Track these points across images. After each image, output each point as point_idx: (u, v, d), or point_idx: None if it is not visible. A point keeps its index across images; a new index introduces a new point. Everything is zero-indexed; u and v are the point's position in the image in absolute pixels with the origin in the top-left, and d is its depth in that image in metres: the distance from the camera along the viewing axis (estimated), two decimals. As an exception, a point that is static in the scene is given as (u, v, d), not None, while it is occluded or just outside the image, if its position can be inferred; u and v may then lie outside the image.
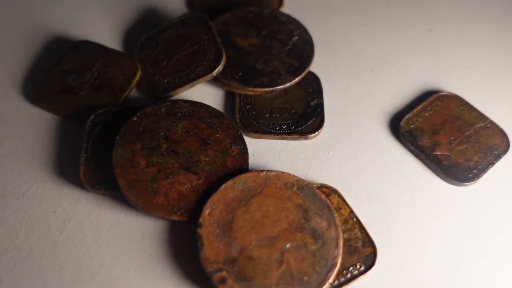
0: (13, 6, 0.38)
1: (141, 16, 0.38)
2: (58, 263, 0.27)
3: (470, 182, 0.31)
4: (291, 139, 0.32)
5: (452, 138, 0.32)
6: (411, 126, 0.33)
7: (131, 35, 0.37)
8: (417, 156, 0.32)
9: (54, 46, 0.36)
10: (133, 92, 0.34)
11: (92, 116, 0.31)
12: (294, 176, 0.29)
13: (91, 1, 0.38)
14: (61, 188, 0.30)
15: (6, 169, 0.30)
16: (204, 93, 0.34)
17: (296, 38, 0.36)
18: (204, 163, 0.30)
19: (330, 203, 0.29)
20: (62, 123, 0.32)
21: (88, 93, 0.33)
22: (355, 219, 0.29)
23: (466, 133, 0.32)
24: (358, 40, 0.38)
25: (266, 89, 0.33)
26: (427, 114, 0.33)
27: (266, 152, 0.32)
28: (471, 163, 0.31)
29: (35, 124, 0.32)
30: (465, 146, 0.32)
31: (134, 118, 0.31)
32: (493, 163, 0.31)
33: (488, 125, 0.33)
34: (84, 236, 0.28)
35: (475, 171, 0.31)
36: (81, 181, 0.29)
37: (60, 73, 0.34)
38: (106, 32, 0.37)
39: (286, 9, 0.39)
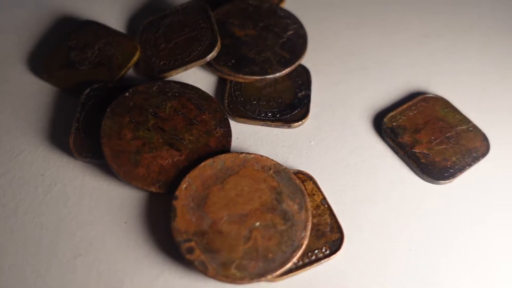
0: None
1: (147, 2, 0.40)
2: (40, 221, 0.29)
3: (445, 181, 0.31)
4: (275, 126, 0.33)
5: (432, 137, 0.33)
6: (394, 124, 0.33)
7: (136, 19, 0.39)
8: (396, 152, 0.33)
9: (63, 24, 0.38)
10: (131, 72, 0.36)
11: (88, 90, 0.33)
12: (272, 160, 0.30)
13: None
14: (51, 154, 0.31)
15: (3, 132, 0.32)
16: (197, 77, 0.36)
17: (291, 32, 0.37)
18: (187, 141, 0.31)
19: (304, 188, 0.30)
20: (61, 95, 0.34)
21: (88, 69, 0.35)
22: (326, 206, 0.30)
23: (447, 134, 0.33)
24: (353, 39, 0.39)
25: (256, 77, 0.34)
26: (411, 114, 0.34)
27: (250, 136, 0.33)
28: (448, 163, 0.32)
29: (36, 94, 0.34)
30: (444, 146, 0.32)
31: (126, 94, 0.32)
32: (470, 165, 0.32)
33: (470, 128, 0.33)
34: (67, 199, 0.29)
35: (451, 170, 0.31)
36: (70, 149, 0.30)
37: (65, 49, 0.36)
38: (113, 14, 0.39)
39: (286, 5, 0.40)
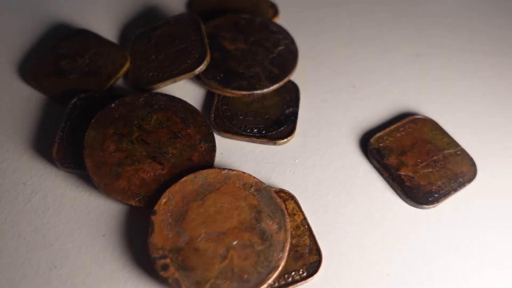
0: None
1: (141, 13, 0.40)
2: (18, 230, 0.28)
3: (429, 205, 0.31)
4: (260, 142, 0.33)
5: (419, 160, 0.32)
6: (380, 144, 0.33)
7: (128, 29, 0.39)
8: (381, 174, 0.32)
9: (55, 31, 0.38)
10: (120, 82, 0.36)
11: (75, 99, 0.33)
12: (254, 177, 0.30)
13: (98, -6, 0.41)
14: (34, 163, 0.31)
15: (-12, 138, 0.32)
16: (186, 90, 0.36)
17: (282, 47, 0.37)
18: (171, 155, 0.31)
19: (284, 208, 0.29)
20: (49, 103, 0.34)
21: (77, 78, 0.35)
22: (306, 227, 0.29)
23: (434, 158, 0.33)
24: (344, 57, 0.39)
25: (244, 92, 0.34)
26: (399, 135, 0.34)
27: (234, 152, 0.33)
28: (433, 187, 0.31)
29: (23, 102, 0.34)
30: (430, 169, 0.32)
31: (112, 105, 0.32)
32: (456, 190, 0.31)
33: (458, 153, 0.33)
34: (47, 209, 0.29)
35: (436, 195, 0.31)
36: (53, 158, 0.30)
37: (55, 56, 0.36)
38: (105, 24, 0.39)
39: (280, 20, 0.40)
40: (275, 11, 0.41)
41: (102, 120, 0.32)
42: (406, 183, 0.31)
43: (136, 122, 0.32)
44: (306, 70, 0.37)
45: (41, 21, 0.39)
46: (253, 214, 0.29)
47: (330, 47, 0.39)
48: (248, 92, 0.34)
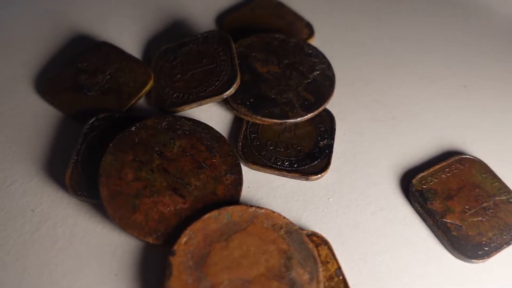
0: (47, 0, 0.38)
1: (168, 27, 0.38)
2: (23, 264, 0.26)
3: (479, 260, 0.27)
4: (291, 177, 0.30)
5: (467, 207, 0.29)
6: (424, 186, 0.30)
7: (153, 45, 0.36)
8: (424, 219, 0.29)
9: (75, 43, 0.36)
10: (142, 102, 0.33)
11: (93, 119, 0.30)
12: (284, 218, 0.27)
13: (122, 6, 0.38)
14: (45, 187, 0.29)
15: (-2, 157, 0.30)
16: (212, 114, 0.33)
17: (317, 72, 0.34)
18: (193, 187, 0.28)
19: (317, 255, 0.26)
20: (64, 121, 0.32)
21: (96, 95, 0.32)
22: (341, 278, 0.26)
23: (484, 205, 0.29)
24: (384, 84, 0.36)
25: (275, 120, 0.31)
26: (444, 176, 0.30)
27: (263, 186, 0.30)
28: (484, 239, 0.28)
29: (38, 118, 0.32)
30: (480, 218, 0.29)
31: (132, 128, 0.30)
32: (508, 243, 0.28)
33: (511, 200, 0.30)
34: (56, 241, 0.27)
35: (486, 248, 0.28)
36: (66, 184, 0.28)
37: (74, 70, 0.33)
38: (129, 37, 0.37)
39: (315, 41, 0.38)
40: (310, 31, 0.38)
41: (120, 145, 0.29)
42: (453, 232, 0.28)
43: (157, 149, 0.29)
44: (341, 98, 0.34)
45: (61, 31, 0.36)
46: (282, 261, 0.26)
47: (368, 73, 0.36)
48: (280, 121, 0.31)
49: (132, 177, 0.28)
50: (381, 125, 0.33)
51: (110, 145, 0.29)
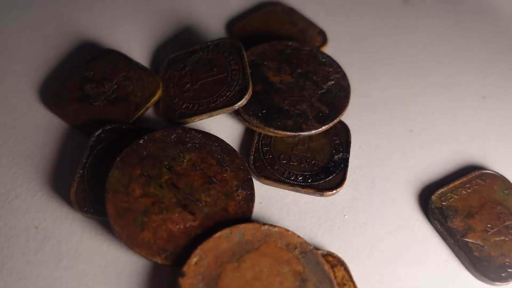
0: (51, 5, 0.37)
1: (176, 34, 0.36)
2: (25, 285, 0.25)
3: (502, 282, 0.26)
4: (305, 193, 0.29)
5: (489, 225, 0.28)
6: (443, 203, 0.29)
7: (161, 52, 0.35)
8: (444, 238, 0.28)
9: (82, 51, 0.35)
10: (149, 112, 0.32)
11: (99, 131, 0.29)
12: (299, 237, 0.26)
13: (129, 12, 0.37)
14: (49, 202, 0.28)
15: (0, 170, 0.29)
16: (222, 125, 0.32)
17: (332, 82, 0.33)
18: (203, 204, 0.27)
19: (333, 277, 0.25)
20: (70, 132, 0.31)
21: (102, 105, 0.31)
22: (358, 301, 0.25)
23: (507, 223, 0.28)
24: (401, 94, 0.34)
25: (288, 133, 0.30)
26: (464, 192, 0.29)
27: (275, 202, 0.29)
28: (507, 260, 0.27)
29: (42, 129, 0.31)
30: (503, 238, 0.28)
31: (140, 141, 0.28)
32: (533, 265, 0.27)
33: (535, 219, 0.28)
34: (60, 260, 0.26)
35: (510, 270, 0.26)
36: (71, 200, 0.27)
37: (80, 79, 0.32)
38: (137, 45, 0.35)
39: (328, 48, 0.36)
40: (323, 38, 0.37)
41: (128, 159, 0.28)
42: (475, 253, 0.27)
43: (166, 163, 0.28)
44: (357, 109, 0.33)
45: (67, 38, 0.35)
46: (297, 283, 0.25)
47: (384, 82, 0.35)
48: (293, 133, 0.30)
49: (140, 193, 0.27)
50: (398, 138, 0.32)
51: (117, 159, 0.28)
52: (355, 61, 0.36)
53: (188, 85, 0.32)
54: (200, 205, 0.27)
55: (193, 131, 0.30)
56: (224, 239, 0.26)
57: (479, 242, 0.27)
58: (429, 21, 0.39)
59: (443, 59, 0.37)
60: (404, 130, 0.32)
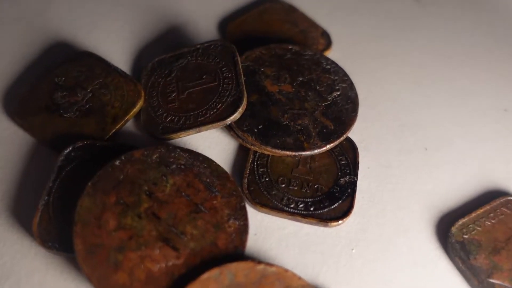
0: (23, 2, 0.33)
1: (161, 35, 0.32)
2: (-24, 336, 0.21)
3: (534, 332, 0.23)
4: (307, 222, 0.25)
5: (517, 263, 0.24)
6: (465, 236, 0.25)
7: (144, 55, 0.31)
8: (467, 278, 0.24)
9: (53, 52, 0.30)
10: (129, 125, 0.28)
11: (69, 149, 0.25)
12: (300, 279, 0.22)
13: (108, 8, 0.33)
14: (8, 233, 0.24)
15: (-47, 194, 0.25)
16: (212, 141, 0.28)
17: (338, 93, 0.29)
18: (189, 237, 0.23)
19: (340, 327, 0.21)
20: (36, 148, 0.27)
21: (74, 117, 0.27)
22: None
23: (538, 261, 0.25)
24: (413, 105, 0.30)
25: (288, 152, 0.26)
26: (489, 223, 0.26)
27: (272, 233, 0.25)
28: (539, 306, 0.23)
29: (3, 143, 0.27)
30: (533, 278, 0.24)
31: (117, 162, 0.24)
32: None
33: None
34: (19, 305, 0.22)
35: (542, 317, 0.23)
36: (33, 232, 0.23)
37: (49, 86, 0.28)
38: (116, 47, 0.31)
39: (332, 52, 0.32)
40: (327, 41, 0.33)
41: (102, 184, 0.24)
42: (502, 297, 0.23)
43: (146, 188, 0.24)
44: (364, 122, 0.29)
45: (36, 37, 0.31)
46: (298, 336, 0.21)
47: (395, 92, 0.31)
48: (293, 153, 0.26)
49: (115, 225, 0.23)
50: (411, 157, 0.28)
51: (89, 184, 0.24)
52: (362, 67, 0.32)
53: (174, 95, 0.28)
54: (185, 239, 0.23)
55: (178, 150, 0.26)
56: (213, 281, 0.22)
57: (506, 283, 0.24)
58: (443, 23, 0.35)
59: (460, 66, 0.33)
60: (418, 148, 0.29)
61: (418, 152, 0.29)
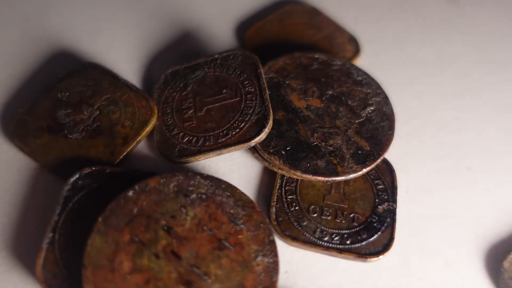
0: (15, 3, 0.30)
1: (175, 43, 0.29)
2: None
3: None
4: (343, 258, 0.23)
5: None
6: (519, 272, 0.23)
7: (156, 66, 0.28)
8: (523, 321, 0.22)
9: (55, 64, 0.27)
10: (141, 145, 0.25)
11: (75, 176, 0.23)
12: (340, 326, 0.20)
13: (115, 14, 0.30)
14: (9, 274, 0.21)
15: None
16: (233, 162, 0.25)
17: (371, 108, 0.26)
18: (213, 279, 0.21)
19: None
20: (39, 174, 0.24)
21: (80, 138, 0.24)
22: None
23: None
24: (454, 119, 0.28)
25: (320, 178, 0.24)
26: (545, 256, 0.23)
27: (305, 270, 0.22)
28: None
29: (4, 169, 0.24)
30: None
31: (130, 193, 0.22)
32: None
33: None
34: None
35: None
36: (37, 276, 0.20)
37: (51, 103, 0.25)
38: (125, 57, 0.28)
39: (362, 60, 0.30)
40: (355, 48, 0.30)
41: (113, 219, 0.21)
42: None
43: (164, 222, 0.21)
44: (400, 140, 0.27)
45: (37, 48, 0.28)
46: None
47: (433, 104, 0.28)
48: (326, 178, 0.24)
49: (130, 268, 0.20)
50: (453, 178, 0.26)
51: (99, 219, 0.21)
52: (394, 76, 0.29)
53: (191, 112, 0.25)
54: (209, 280, 0.21)
55: (198, 177, 0.23)
56: (242, 332, 0.19)
57: None
58: (486, 25, 0.32)
59: (505, 75, 0.30)
60: (460, 168, 0.26)
61: (460, 172, 0.26)
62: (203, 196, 0.22)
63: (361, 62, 0.29)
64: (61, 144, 0.24)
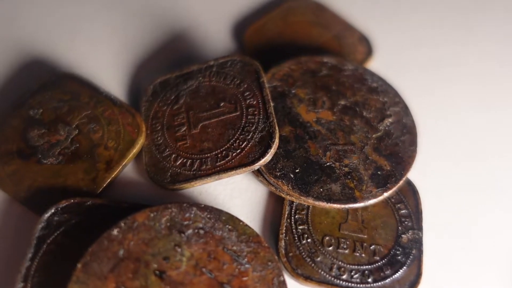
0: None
1: (165, 45, 0.26)
2: None
3: None
4: (365, 299, 0.20)
5: None
6: None
7: (143, 74, 0.25)
8: None
9: (25, 77, 0.24)
10: (127, 169, 0.22)
11: (50, 212, 0.19)
12: None
13: (96, 15, 0.26)
14: (-26, 333, 0.18)
15: None
16: (234, 186, 0.22)
17: (390, 120, 0.23)
18: (215, 332, 0.18)
19: None
20: (9, 207, 0.21)
21: (56, 164, 0.21)
22: None
23: None
24: (479, 128, 0.25)
25: (336, 205, 0.20)
26: None
27: (320, 314, 0.19)
28: None
29: (-33, 200, 0.21)
30: None
31: (114, 232, 0.18)
32: None
33: None
34: None
35: None
36: (7, 333, 0.17)
37: (22, 122, 0.22)
38: (106, 64, 0.25)
39: (375, 63, 0.26)
40: (368, 48, 0.27)
41: (95, 264, 0.18)
42: None
43: (155, 266, 0.18)
44: (421, 155, 0.23)
45: (4, 55, 0.24)
46: None
47: (457, 114, 0.25)
48: (342, 206, 0.20)
49: (116, 324, 0.17)
50: (484, 198, 0.23)
51: (78, 266, 0.18)
52: (412, 81, 0.26)
53: (184, 129, 0.22)
54: (210, 335, 0.18)
55: (194, 209, 0.20)
56: None
57: None
58: (509, 24, 0.29)
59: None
60: (491, 186, 0.23)
61: (491, 192, 0.23)
62: (201, 232, 0.19)
63: (374, 65, 0.26)
64: (34, 171, 0.21)
